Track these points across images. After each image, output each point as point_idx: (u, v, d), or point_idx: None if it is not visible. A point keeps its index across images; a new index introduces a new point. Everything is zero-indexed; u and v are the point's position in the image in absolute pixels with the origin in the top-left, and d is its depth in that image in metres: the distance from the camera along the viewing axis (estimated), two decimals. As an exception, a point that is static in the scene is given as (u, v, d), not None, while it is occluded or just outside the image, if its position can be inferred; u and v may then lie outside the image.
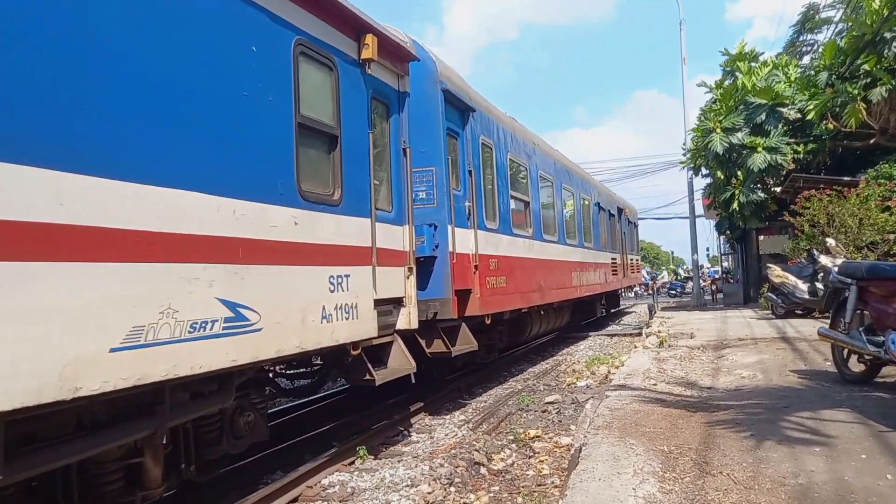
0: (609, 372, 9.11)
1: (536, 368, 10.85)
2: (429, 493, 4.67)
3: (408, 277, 6.17)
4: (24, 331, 2.70)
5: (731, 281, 24.90)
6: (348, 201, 5.19)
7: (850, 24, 15.40)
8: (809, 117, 15.80)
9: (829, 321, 6.81)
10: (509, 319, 9.74)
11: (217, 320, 3.70)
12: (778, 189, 17.26)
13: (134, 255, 3.25)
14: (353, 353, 5.32)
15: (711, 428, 4.87)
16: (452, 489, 4.78)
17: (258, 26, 4.35)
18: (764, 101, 16.63)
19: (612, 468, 4.03)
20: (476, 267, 7.73)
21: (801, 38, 24.01)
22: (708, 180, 20.78)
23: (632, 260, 21.52)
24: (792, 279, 13.34)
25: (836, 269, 6.58)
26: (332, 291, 4.86)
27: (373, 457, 5.78)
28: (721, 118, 17.12)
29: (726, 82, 18.86)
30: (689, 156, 20.03)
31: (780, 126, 16.50)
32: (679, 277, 45.91)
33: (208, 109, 3.85)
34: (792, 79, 17.29)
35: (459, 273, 7.26)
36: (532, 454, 5.63)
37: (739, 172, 17.21)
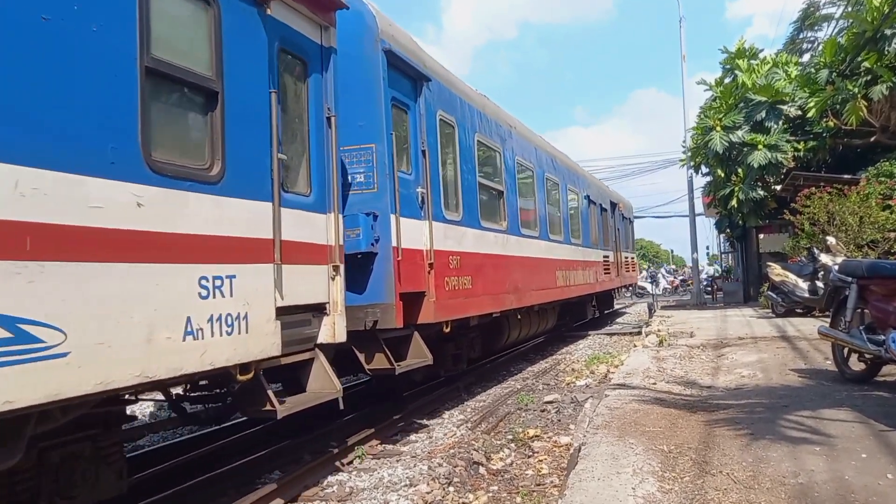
0: (608, 371, 9.09)
1: (535, 367, 10.83)
2: (427, 493, 4.65)
3: (333, 278, 5.03)
4: None
5: (731, 279, 24.93)
6: (234, 178, 3.98)
7: (850, 21, 15.39)
8: (810, 115, 15.79)
9: (829, 320, 6.79)
10: (481, 325, 8.65)
11: None
12: (778, 187, 17.25)
13: None
14: (241, 378, 4.03)
15: (711, 427, 4.85)
16: (451, 489, 4.76)
17: None
18: (764, 99, 16.61)
19: (612, 467, 4.01)
20: (431, 265, 6.59)
21: (801, 36, 24.02)
22: (708, 178, 20.81)
23: (627, 258, 20.32)
24: (792, 278, 13.32)
25: (836, 267, 6.56)
26: (204, 298, 3.70)
27: (371, 456, 5.76)
28: (721, 116, 17.11)
29: (726, 80, 18.86)
30: (689, 154, 20.03)
31: (780, 124, 16.48)
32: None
33: None
34: (792, 76, 17.28)
35: (407, 272, 6.16)
36: (531, 454, 5.61)
37: (739, 170, 17.21)
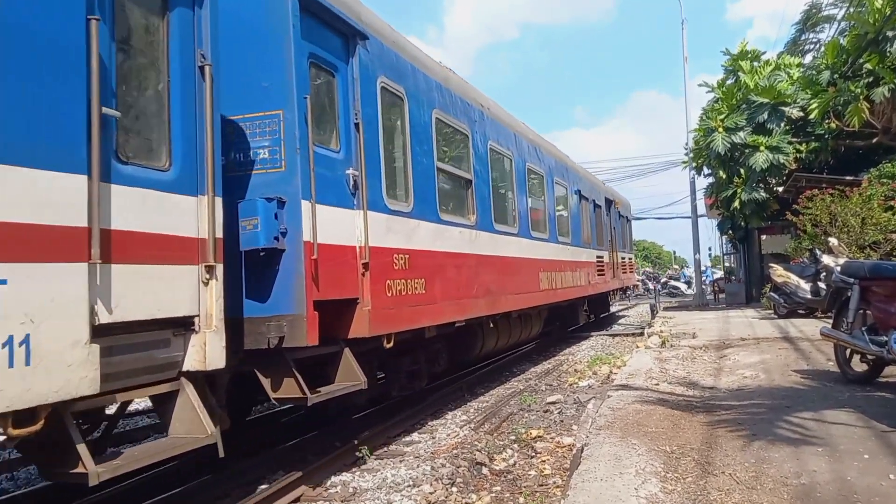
0: (611, 372, 9.11)
1: (538, 368, 10.84)
2: (431, 493, 4.67)
3: (206, 283, 3.89)
4: None
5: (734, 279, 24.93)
6: (3, 135, 2.80)
7: (852, 22, 15.39)
8: (812, 116, 15.79)
9: (831, 321, 6.81)
10: (446, 335, 7.48)
11: None
12: (780, 188, 17.27)
13: None
14: (14, 432, 2.85)
15: (713, 428, 4.87)
16: (454, 489, 4.78)
17: None
18: (766, 100, 16.60)
19: (614, 468, 4.02)
20: (366, 266, 5.40)
21: (803, 37, 24.02)
22: (710, 180, 20.80)
23: (623, 259, 19.05)
24: (794, 279, 13.33)
25: (838, 268, 6.57)
26: None
27: (375, 457, 5.78)
28: (723, 117, 17.11)
29: (728, 82, 18.87)
30: (691, 155, 20.04)
31: (782, 125, 16.47)
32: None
33: None
34: (794, 77, 17.28)
35: (329, 275, 4.90)
36: (534, 454, 5.62)
37: (742, 172, 17.21)
